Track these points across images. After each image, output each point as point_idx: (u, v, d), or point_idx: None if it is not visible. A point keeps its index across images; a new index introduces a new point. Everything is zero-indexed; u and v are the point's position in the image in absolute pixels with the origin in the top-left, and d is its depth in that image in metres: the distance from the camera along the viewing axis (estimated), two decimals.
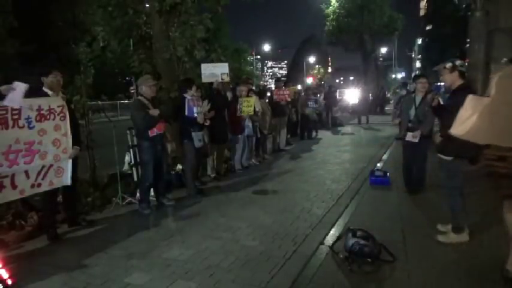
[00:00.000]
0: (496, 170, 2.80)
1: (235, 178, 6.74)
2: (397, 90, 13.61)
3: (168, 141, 5.84)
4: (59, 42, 18.09)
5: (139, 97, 4.88)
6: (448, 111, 3.66)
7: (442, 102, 3.98)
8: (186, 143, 5.55)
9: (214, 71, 6.81)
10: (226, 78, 6.96)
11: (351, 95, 22.99)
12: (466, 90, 3.60)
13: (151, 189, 5.16)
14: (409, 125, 5.14)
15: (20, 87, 3.46)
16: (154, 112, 4.78)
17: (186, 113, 5.38)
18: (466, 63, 3.76)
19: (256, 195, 5.59)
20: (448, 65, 3.64)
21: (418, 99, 5.09)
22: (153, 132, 4.82)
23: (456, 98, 3.58)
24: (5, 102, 3.37)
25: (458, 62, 3.66)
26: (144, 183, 4.99)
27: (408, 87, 11.24)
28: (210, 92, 6.65)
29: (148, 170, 4.91)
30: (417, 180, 5.29)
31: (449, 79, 3.68)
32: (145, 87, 4.85)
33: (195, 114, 5.43)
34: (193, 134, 5.49)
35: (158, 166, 4.99)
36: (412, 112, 5.09)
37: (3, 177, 3.42)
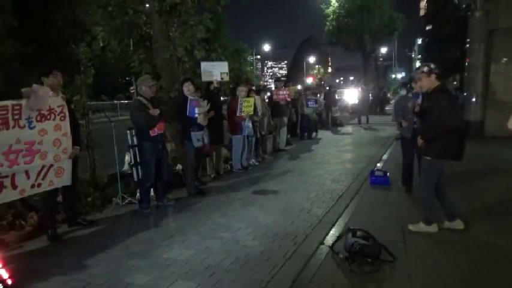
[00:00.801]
0: None
1: (235, 178, 6.74)
2: (398, 91, 13.62)
3: (167, 141, 5.84)
4: (59, 42, 18.06)
5: (139, 97, 4.88)
6: (428, 113, 3.75)
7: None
8: (186, 143, 5.55)
9: (214, 70, 6.81)
10: (226, 78, 6.96)
11: (350, 95, 23.00)
12: (442, 91, 3.72)
13: (151, 189, 5.16)
14: (414, 126, 5.12)
15: (45, 90, 3.64)
16: (155, 112, 4.78)
17: (188, 113, 5.38)
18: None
19: (256, 195, 5.59)
20: (425, 68, 3.72)
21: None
22: (154, 132, 4.82)
23: (434, 98, 3.68)
24: (31, 105, 3.51)
25: (432, 66, 3.74)
26: (144, 183, 4.98)
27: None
28: (209, 92, 6.65)
29: (149, 170, 4.91)
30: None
31: (427, 83, 3.73)
32: (145, 87, 4.85)
33: (196, 115, 5.44)
34: (192, 134, 5.49)
35: (158, 166, 4.99)
36: None
37: (4, 177, 3.42)
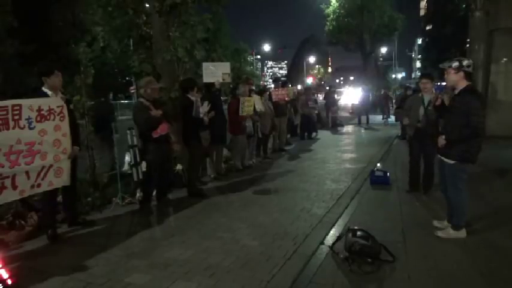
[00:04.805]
0: None
1: (236, 178, 6.74)
2: (402, 90, 13.64)
3: (172, 141, 5.84)
4: (59, 42, 18.07)
5: (141, 99, 4.86)
6: (452, 114, 3.58)
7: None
8: (194, 143, 5.56)
9: (216, 71, 6.78)
10: (228, 79, 6.94)
11: (349, 95, 23.00)
12: (472, 93, 3.50)
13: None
14: (418, 124, 5.08)
15: None
16: (157, 113, 4.77)
17: (194, 114, 5.42)
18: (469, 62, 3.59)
19: (257, 195, 5.59)
20: (455, 64, 3.49)
21: (426, 98, 5.03)
22: (157, 133, 4.81)
23: (462, 100, 3.48)
24: None
25: (465, 62, 3.49)
26: (147, 183, 4.98)
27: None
28: (210, 93, 6.64)
29: (152, 171, 4.90)
30: (428, 177, 5.24)
31: (453, 79, 3.55)
32: (151, 90, 4.83)
33: (201, 115, 5.49)
34: (200, 134, 5.59)
35: (161, 167, 4.98)
36: (421, 112, 5.04)
37: (5, 178, 3.41)
